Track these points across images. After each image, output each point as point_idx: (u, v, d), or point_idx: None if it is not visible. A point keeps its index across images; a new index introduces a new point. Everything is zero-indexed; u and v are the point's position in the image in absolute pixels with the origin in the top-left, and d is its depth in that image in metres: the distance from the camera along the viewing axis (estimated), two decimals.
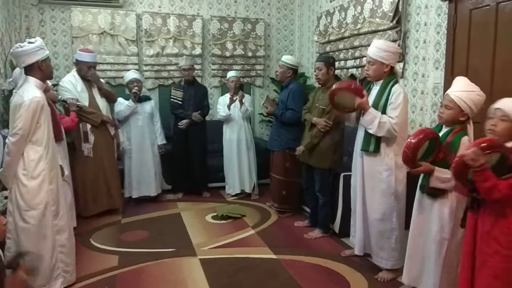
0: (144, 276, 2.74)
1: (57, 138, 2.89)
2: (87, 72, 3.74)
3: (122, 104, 4.21)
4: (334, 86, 2.81)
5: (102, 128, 3.85)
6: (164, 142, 4.54)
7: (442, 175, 2.08)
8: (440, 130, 2.23)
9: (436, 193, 2.16)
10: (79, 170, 3.70)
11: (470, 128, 2.12)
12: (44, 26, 4.88)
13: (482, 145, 1.67)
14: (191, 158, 4.53)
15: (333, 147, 3.34)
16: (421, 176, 2.25)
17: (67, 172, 3.06)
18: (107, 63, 5.00)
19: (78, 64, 3.78)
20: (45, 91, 2.58)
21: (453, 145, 2.09)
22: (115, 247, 3.23)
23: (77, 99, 3.66)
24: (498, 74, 2.82)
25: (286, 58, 3.88)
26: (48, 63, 2.48)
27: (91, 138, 3.76)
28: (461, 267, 1.91)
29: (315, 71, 3.47)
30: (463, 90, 2.09)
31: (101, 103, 3.87)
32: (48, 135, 2.41)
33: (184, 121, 4.47)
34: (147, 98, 4.48)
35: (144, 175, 4.34)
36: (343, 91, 2.74)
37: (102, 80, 4.01)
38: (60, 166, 2.74)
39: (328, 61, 3.40)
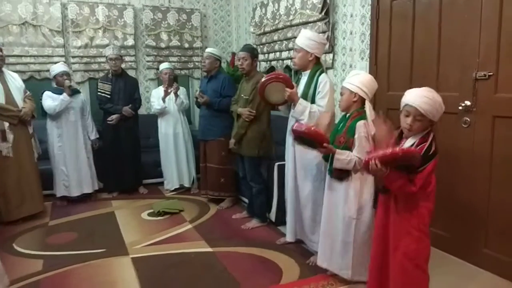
0: (70, 279, 2.60)
1: None
2: None
3: (54, 99, 3.91)
4: (262, 79, 2.84)
5: (21, 127, 3.57)
6: (97, 136, 4.34)
7: (342, 157, 2.21)
8: (344, 118, 2.36)
9: (341, 177, 2.28)
10: None
11: (369, 112, 2.18)
12: None
13: (382, 158, 1.67)
14: (123, 155, 4.33)
15: (260, 135, 3.37)
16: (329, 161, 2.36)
17: None
18: (30, 56, 4.68)
19: None
20: None
21: (350, 130, 2.23)
22: (40, 251, 3.03)
23: None
24: (416, 63, 2.98)
25: (212, 50, 3.98)
26: None
27: (10, 136, 3.47)
28: (372, 248, 1.99)
29: (239, 60, 3.48)
30: (350, 76, 2.29)
31: (18, 97, 3.58)
32: None
33: (114, 116, 4.26)
34: (77, 91, 4.22)
35: (79, 172, 4.11)
36: (272, 83, 2.77)
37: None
38: None
39: (252, 51, 3.45)
